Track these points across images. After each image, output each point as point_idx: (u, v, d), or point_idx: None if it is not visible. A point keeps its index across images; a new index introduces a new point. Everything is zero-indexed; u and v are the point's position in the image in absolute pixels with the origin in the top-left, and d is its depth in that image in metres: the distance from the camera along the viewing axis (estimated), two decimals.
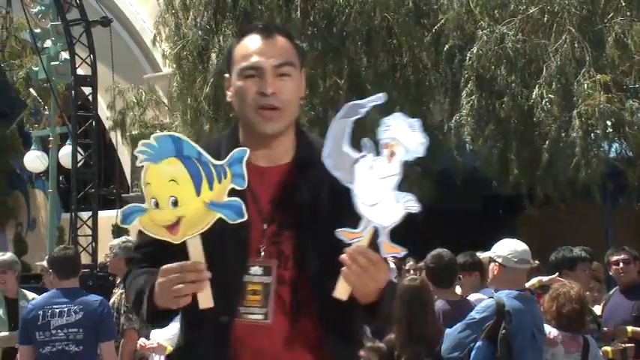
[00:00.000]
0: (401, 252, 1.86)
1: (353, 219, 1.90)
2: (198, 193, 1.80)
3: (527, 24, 9.37)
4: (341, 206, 1.93)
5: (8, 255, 6.18)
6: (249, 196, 1.93)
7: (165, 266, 1.82)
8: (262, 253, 1.95)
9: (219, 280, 1.86)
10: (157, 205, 1.80)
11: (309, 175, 1.98)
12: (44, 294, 5.07)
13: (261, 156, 1.99)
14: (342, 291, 1.83)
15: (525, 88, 9.26)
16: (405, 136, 1.88)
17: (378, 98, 1.91)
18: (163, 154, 1.80)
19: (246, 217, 1.81)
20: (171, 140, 1.81)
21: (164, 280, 1.81)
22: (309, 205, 1.95)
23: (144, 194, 1.82)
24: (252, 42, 1.99)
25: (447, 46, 9.77)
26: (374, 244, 1.84)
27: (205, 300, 1.81)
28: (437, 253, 5.01)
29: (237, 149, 1.83)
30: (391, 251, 1.84)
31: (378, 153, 1.86)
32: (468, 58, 9.33)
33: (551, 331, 4.33)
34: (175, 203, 1.80)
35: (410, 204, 1.87)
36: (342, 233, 1.82)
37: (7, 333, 5.64)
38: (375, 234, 1.83)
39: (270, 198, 1.98)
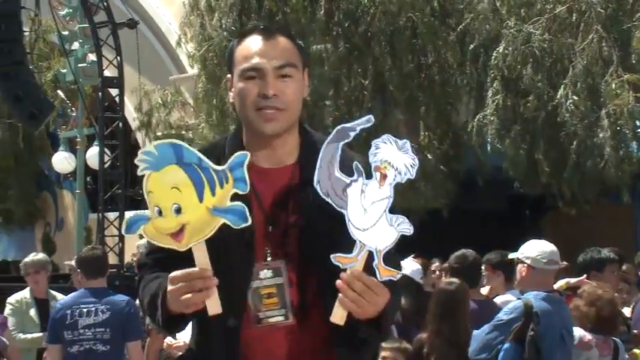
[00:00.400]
0: (397, 275, 1.85)
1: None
2: (200, 199, 1.79)
3: (553, 23, 9.29)
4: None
5: (41, 255, 6.29)
6: (253, 199, 1.94)
7: (172, 274, 1.81)
8: (269, 256, 1.95)
9: (226, 283, 1.86)
10: (160, 213, 1.79)
11: (311, 176, 1.94)
12: (72, 294, 5.12)
13: (265, 157, 1.99)
14: (338, 316, 1.83)
15: (552, 88, 9.18)
16: (395, 158, 1.87)
17: (367, 120, 1.91)
18: (164, 162, 1.79)
19: (249, 222, 1.80)
20: (171, 147, 1.80)
21: (172, 288, 1.81)
22: (314, 205, 1.93)
23: (147, 203, 1.82)
24: (253, 43, 1.97)
25: (472, 46, 9.73)
26: (370, 268, 1.82)
27: (214, 306, 1.81)
28: (461, 254, 5.01)
29: (238, 153, 1.82)
30: (387, 274, 1.83)
31: (369, 176, 1.86)
32: (493, 57, 9.27)
33: (585, 334, 4.29)
34: (178, 210, 1.79)
35: (403, 227, 1.86)
36: (337, 258, 1.81)
37: (40, 334, 5.71)
38: (370, 258, 1.83)
39: (274, 200, 1.97)
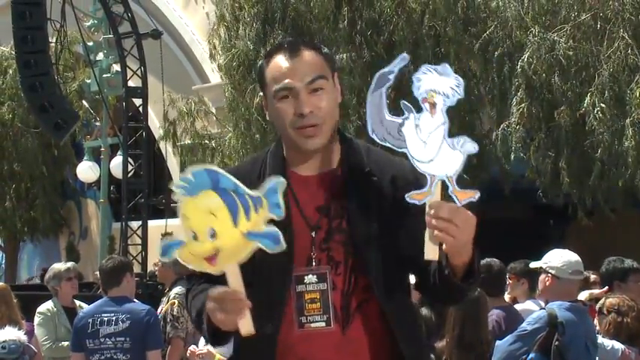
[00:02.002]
0: (476, 195, 1.85)
1: (401, 218, 1.94)
2: (235, 223, 1.82)
3: (578, 30, 9.22)
4: (391, 208, 1.96)
5: (73, 263, 6.38)
6: (293, 206, 1.96)
7: (209, 294, 1.86)
8: (314, 261, 1.96)
9: (263, 291, 1.90)
10: (195, 237, 1.83)
11: (355, 180, 1.99)
12: (95, 302, 5.14)
13: (306, 167, 2.02)
14: (430, 251, 1.82)
15: (577, 96, 9.10)
16: (439, 84, 1.87)
17: (402, 59, 1.93)
18: (200, 187, 1.82)
19: (284, 247, 1.82)
20: (207, 173, 1.82)
21: (208, 307, 1.86)
22: (357, 209, 1.96)
23: (182, 227, 1.85)
24: (281, 62, 2.00)
25: (496, 54, 9.67)
26: (447, 198, 1.84)
27: (246, 327, 1.83)
28: (487, 263, 4.98)
29: (273, 179, 1.84)
30: (465, 197, 1.84)
31: (419, 110, 1.87)
32: (518, 65, 9.21)
33: (623, 347, 4.25)
34: (213, 235, 1.82)
35: (467, 146, 1.86)
36: (412, 196, 1.83)
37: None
38: (443, 187, 1.83)
39: (316, 205, 1.99)
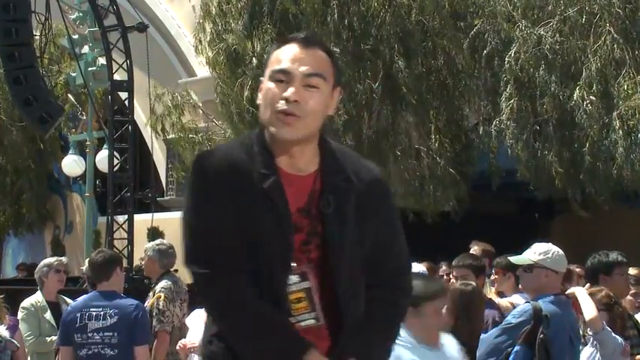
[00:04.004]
0: None
1: (373, 221, 1.98)
2: None
3: (565, 25, 9.25)
4: (364, 210, 2.00)
5: (65, 258, 6.36)
6: (288, 206, 1.97)
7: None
8: (293, 261, 1.97)
9: (267, 288, 1.92)
10: None
11: (334, 184, 2.00)
12: (83, 296, 5.10)
13: (287, 164, 2.01)
14: None
15: (565, 90, 9.14)
16: None
17: None
18: None
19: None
20: None
21: None
22: (335, 214, 1.97)
23: None
24: (290, 49, 2.01)
25: (485, 50, 9.67)
26: None
27: None
28: (463, 256, 5.06)
29: None
30: None
31: None
32: (506, 60, 9.24)
33: (623, 341, 4.30)
34: None
35: None
36: None
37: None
38: None
39: (298, 206, 1.99)
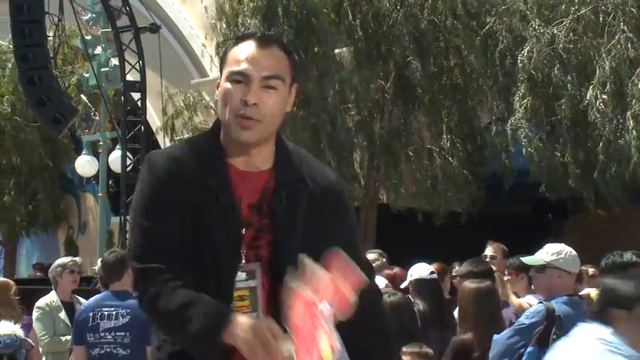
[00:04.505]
0: None
1: (329, 226, 1.99)
2: None
3: (578, 24, 9.21)
4: (318, 214, 2.00)
5: (79, 258, 6.39)
6: (236, 200, 1.97)
7: (258, 332, 1.80)
8: (243, 258, 1.96)
9: (213, 283, 1.89)
10: None
11: (288, 182, 2.00)
12: (95, 296, 5.13)
13: (242, 162, 2.01)
14: None
15: (579, 90, 9.09)
16: None
17: None
18: None
19: None
20: None
21: (250, 345, 1.80)
22: (286, 211, 1.98)
23: None
24: (248, 48, 1.99)
25: (498, 49, 9.64)
26: None
27: None
28: (474, 260, 5.08)
29: None
30: None
31: None
32: (519, 60, 9.20)
33: None
34: None
35: None
36: None
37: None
38: None
39: (249, 202, 1.99)
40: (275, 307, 1.95)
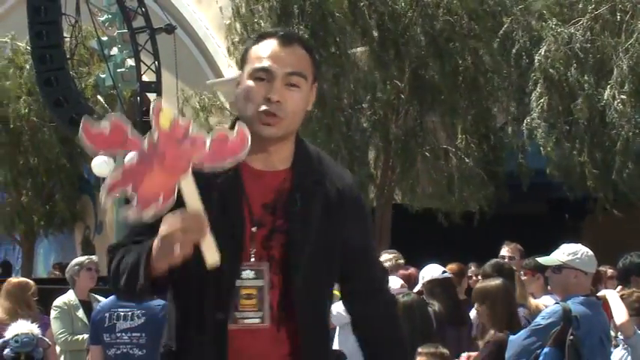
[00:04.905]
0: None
1: (344, 230, 1.98)
2: None
3: (596, 23, 9.15)
4: (333, 217, 1.99)
5: (95, 257, 6.43)
6: (242, 198, 1.96)
7: (166, 215, 1.76)
8: (253, 257, 1.95)
9: (215, 278, 1.88)
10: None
11: (304, 184, 1.99)
12: (112, 296, 5.15)
13: (259, 160, 1.99)
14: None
15: (596, 89, 9.04)
16: None
17: None
18: None
19: None
20: None
21: (164, 228, 1.75)
22: (301, 212, 1.96)
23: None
24: (270, 46, 1.99)
25: (515, 49, 9.59)
26: None
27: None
28: (495, 262, 5.05)
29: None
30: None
31: None
32: (536, 59, 9.15)
33: None
34: None
35: None
36: None
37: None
38: None
39: (263, 202, 1.97)
40: (286, 308, 1.94)
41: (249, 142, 1.82)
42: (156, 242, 1.80)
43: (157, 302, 4.94)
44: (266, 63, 1.96)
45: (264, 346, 1.95)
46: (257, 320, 1.93)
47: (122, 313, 4.80)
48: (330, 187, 2.02)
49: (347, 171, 2.13)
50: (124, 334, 4.78)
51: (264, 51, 1.98)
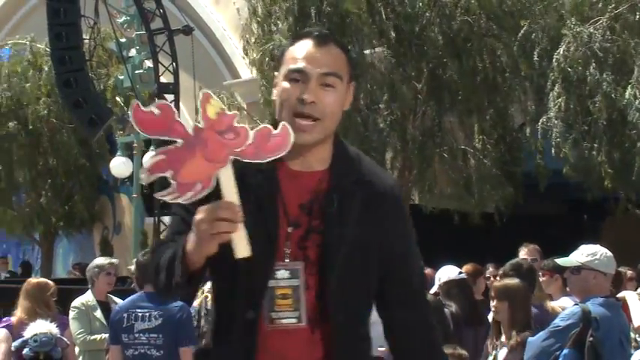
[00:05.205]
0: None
1: (381, 232, 1.96)
2: None
3: (616, 23, 9.07)
4: (370, 219, 1.97)
5: (116, 260, 6.48)
6: (278, 198, 1.95)
7: (201, 207, 1.79)
8: (288, 257, 1.94)
9: (247, 277, 1.88)
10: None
11: (342, 186, 1.97)
12: (131, 297, 5.17)
13: (297, 160, 1.98)
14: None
15: (616, 89, 8.96)
16: None
17: None
18: None
19: None
20: None
21: (199, 217, 1.78)
22: (338, 213, 1.95)
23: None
24: (305, 46, 1.98)
25: (536, 51, 9.52)
26: None
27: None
28: (515, 262, 5.02)
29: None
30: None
31: None
32: (555, 59, 9.09)
33: None
34: None
35: None
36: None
37: (107, 335, 5.81)
38: None
39: (299, 202, 1.96)
40: (322, 310, 1.93)
41: (292, 141, 1.83)
42: (191, 234, 1.82)
43: (175, 304, 4.96)
44: (300, 64, 1.95)
45: (299, 348, 1.93)
46: (294, 320, 1.92)
47: (140, 314, 4.82)
48: (369, 187, 2.00)
49: (388, 172, 2.12)
50: (141, 334, 4.79)
51: (299, 52, 1.97)
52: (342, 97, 1.99)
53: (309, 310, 1.93)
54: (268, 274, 1.93)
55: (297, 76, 1.95)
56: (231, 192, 1.79)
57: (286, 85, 1.96)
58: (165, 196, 1.80)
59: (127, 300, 5.16)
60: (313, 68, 1.94)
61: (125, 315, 4.86)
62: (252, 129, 1.84)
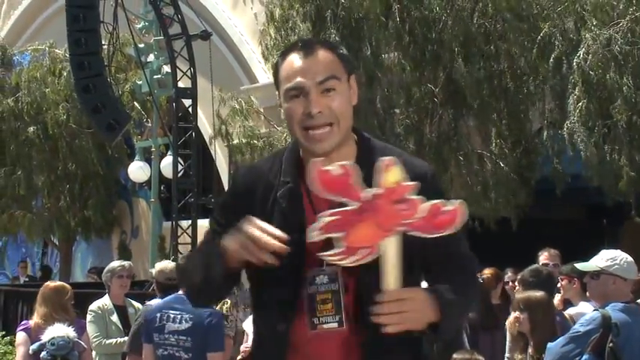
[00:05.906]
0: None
1: None
2: None
3: (637, 25, 8.99)
4: None
5: (129, 263, 6.49)
6: (307, 204, 1.96)
7: (254, 219, 1.87)
8: (325, 262, 1.93)
9: (275, 289, 1.91)
10: None
11: (368, 179, 1.95)
12: (167, 297, 5.15)
13: (320, 164, 1.98)
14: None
15: (636, 92, 8.88)
16: None
17: None
18: None
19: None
20: None
21: (244, 232, 1.86)
22: None
23: None
24: (294, 61, 1.98)
25: (554, 54, 9.45)
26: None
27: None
28: (535, 268, 4.99)
29: None
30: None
31: None
32: (574, 62, 9.03)
33: None
34: None
35: None
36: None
37: (124, 339, 5.84)
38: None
39: (329, 206, 1.94)
40: (361, 312, 1.92)
41: (463, 221, 1.86)
42: (236, 234, 1.88)
43: (206, 309, 4.92)
44: (295, 80, 1.95)
45: (336, 353, 1.94)
46: (335, 324, 1.93)
47: (172, 315, 4.82)
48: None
49: (422, 161, 2.07)
50: (171, 335, 4.79)
51: (290, 68, 1.97)
52: (346, 95, 1.99)
53: (348, 314, 1.94)
54: (298, 284, 1.94)
55: (296, 93, 1.96)
56: (391, 263, 1.81)
57: (288, 104, 1.97)
58: (330, 257, 1.82)
59: (163, 300, 5.17)
60: (308, 80, 1.95)
61: (158, 315, 4.87)
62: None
